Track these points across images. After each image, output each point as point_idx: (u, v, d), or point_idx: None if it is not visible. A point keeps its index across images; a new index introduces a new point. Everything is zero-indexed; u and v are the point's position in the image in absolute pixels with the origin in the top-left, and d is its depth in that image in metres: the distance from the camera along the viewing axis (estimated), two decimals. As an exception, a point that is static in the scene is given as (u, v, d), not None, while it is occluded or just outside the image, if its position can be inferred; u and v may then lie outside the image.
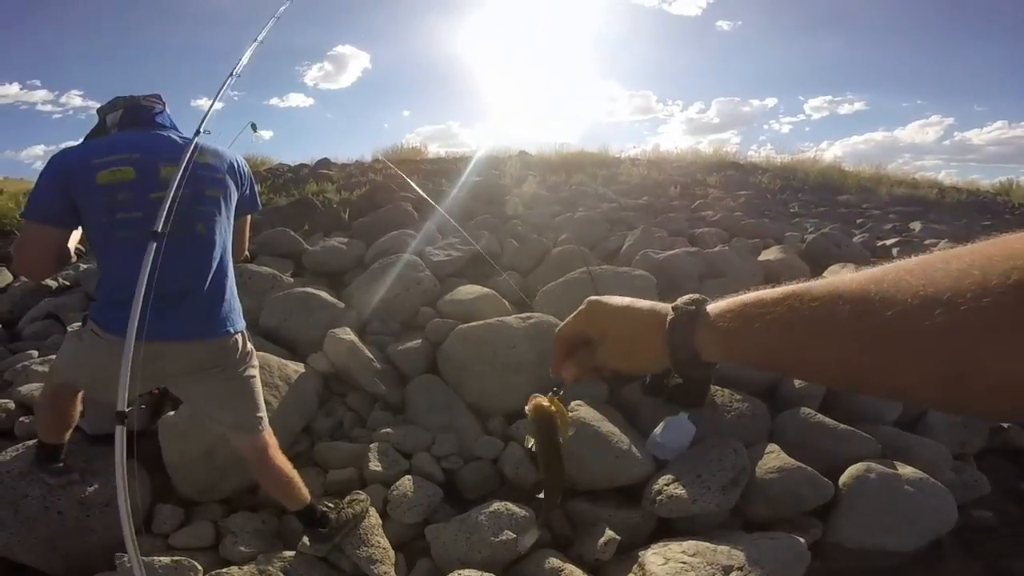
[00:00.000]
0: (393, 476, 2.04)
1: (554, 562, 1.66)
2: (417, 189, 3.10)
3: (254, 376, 1.59)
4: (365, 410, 2.46)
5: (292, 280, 3.46)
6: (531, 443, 0.63)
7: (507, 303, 3.07)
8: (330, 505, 1.78)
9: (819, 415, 2.29)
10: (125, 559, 1.57)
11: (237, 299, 1.57)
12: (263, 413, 1.60)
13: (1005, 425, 2.60)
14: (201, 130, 1.53)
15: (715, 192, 6.84)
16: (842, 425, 2.24)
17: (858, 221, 6.38)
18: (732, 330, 0.45)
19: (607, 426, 2.12)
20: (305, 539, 1.72)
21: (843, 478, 2.03)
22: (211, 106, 1.65)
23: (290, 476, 1.63)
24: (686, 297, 0.50)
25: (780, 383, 2.55)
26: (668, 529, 1.88)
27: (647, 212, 5.31)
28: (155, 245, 1.29)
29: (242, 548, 1.74)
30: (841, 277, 0.39)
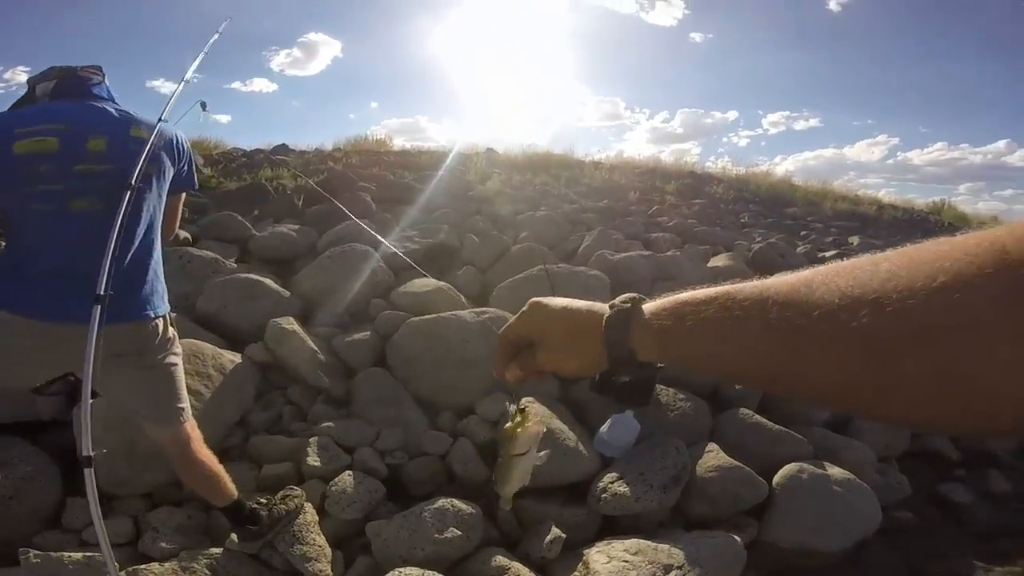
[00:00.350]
0: (333, 471, 1.96)
1: (500, 560, 1.63)
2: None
3: (175, 364, 1.49)
4: (306, 403, 2.35)
5: (236, 266, 3.29)
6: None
7: (463, 298, 3.03)
8: (262, 501, 1.69)
9: (756, 416, 2.37)
10: (31, 554, 1.44)
11: (162, 281, 1.47)
12: (184, 404, 1.49)
13: None
14: (162, 118, 1.48)
15: (671, 199, 7.02)
16: (777, 426, 2.33)
17: (802, 233, 6.70)
18: (665, 329, 0.44)
19: (556, 423, 2.11)
20: (233, 536, 1.63)
21: (777, 478, 2.10)
22: (173, 95, 1.61)
23: (214, 471, 1.53)
24: (623, 296, 0.49)
25: (720, 383, 2.63)
26: (613, 526, 1.89)
27: (606, 215, 5.38)
28: (128, 196, 1.25)
29: (163, 544, 1.64)
30: (773, 279, 0.39)
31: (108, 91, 1.47)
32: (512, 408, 0.61)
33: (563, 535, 1.70)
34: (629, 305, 0.48)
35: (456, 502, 1.75)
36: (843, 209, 8.19)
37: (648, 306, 0.47)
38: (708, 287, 0.44)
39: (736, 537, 1.72)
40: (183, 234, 3.52)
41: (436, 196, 4.92)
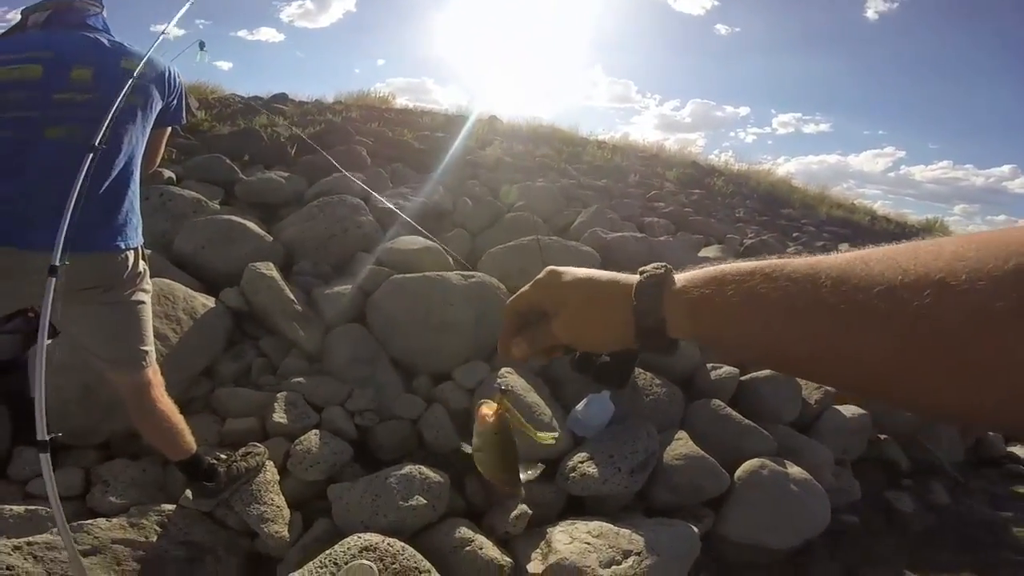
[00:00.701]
0: (299, 430, 1.91)
1: (464, 532, 1.61)
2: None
3: (143, 303, 1.41)
4: (278, 356, 2.29)
5: (219, 208, 3.17)
6: (480, 453, 0.55)
7: (451, 260, 2.95)
8: (222, 457, 1.64)
9: (728, 408, 2.37)
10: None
11: (137, 213, 1.41)
12: (149, 347, 1.43)
13: (882, 436, 2.83)
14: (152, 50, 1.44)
15: (671, 186, 6.94)
16: (746, 420, 2.34)
17: (795, 234, 6.69)
18: (701, 299, 0.40)
19: (533, 396, 2.08)
20: (188, 492, 1.58)
21: (739, 472, 2.11)
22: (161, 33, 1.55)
23: (173, 422, 1.48)
24: (653, 264, 0.45)
25: (697, 372, 2.62)
26: (578, 506, 1.89)
27: (604, 194, 5.30)
28: (90, 157, 1.23)
29: (112, 499, 1.58)
30: (824, 256, 0.36)
31: (104, 22, 1.44)
32: (486, 409, 0.55)
33: (529, 511, 1.69)
34: (662, 271, 0.44)
35: (424, 469, 1.72)
36: (837, 216, 8.20)
37: (680, 275, 0.43)
38: (745, 261, 0.39)
39: (694, 527, 1.73)
40: (167, 173, 3.38)
41: (435, 157, 4.79)
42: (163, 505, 1.58)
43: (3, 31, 1.47)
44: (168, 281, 2.19)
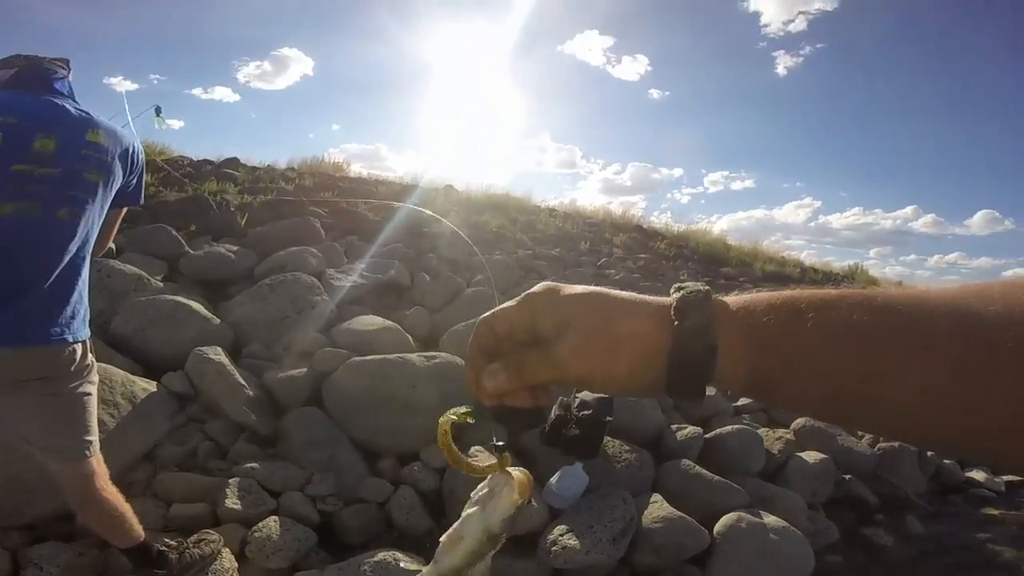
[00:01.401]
0: (255, 516, 1.78)
1: None
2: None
3: (89, 394, 1.31)
4: (228, 440, 2.13)
5: (162, 285, 3.02)
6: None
7: (411, 339, 2.90)
8: (172, 544, 1.50)
9: (697, 467, 2.40)
10: None
11: (86, 303, 1.30)
12: (93, 437, 1.31)
13: (846, 476, 2.91)
14: (124, 125, 1.40)
15: (619, 252, 7.30)
16: (717, 477, 2.37)
17: (735, 292, 7.13)
18: (767, 327, 0.32)
19: (504, 471, 2.02)
20: None
21: (717, 527, 2.12)
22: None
23: (120, 511, 1.36)
24: (687, 282, 0.37)
25: (662, 434, 2.65)
26: (559, 582, 1.79)
27: (558, 264, 5.49)
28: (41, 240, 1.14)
29: None
30: (915, 288, 0.32)
31: (70, 87, 1.34)
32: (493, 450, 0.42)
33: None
34: (705, 288, 0.35)
35: (399, 555, 1.62)
36: (771, 271, 8.82)
37: (727, 299, 0.35)
38: (803, 289, 0.33)
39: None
40: (108, 246, 3.22)
41: (390, 230, 4.83)
42: None
43: None
44: (106, 365, 2.03)
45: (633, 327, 0.34)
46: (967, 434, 0.28)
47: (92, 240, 1.31)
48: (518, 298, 0.38)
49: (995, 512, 3.03)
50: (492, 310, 0.39)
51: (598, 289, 0.37)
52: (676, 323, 0.33)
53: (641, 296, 0.37)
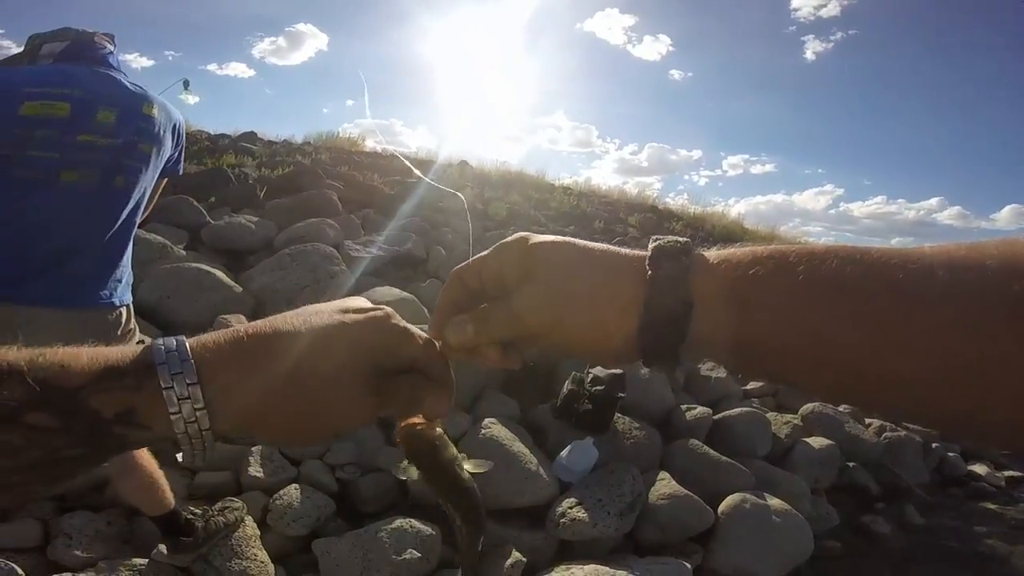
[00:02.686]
0: (276, 484, 1.85)
1: None
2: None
3: None
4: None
5: (185, 254, 3.09)
6: (411, 473, 0.40)
7: (427, 312, 2.96)
8: (196, 511, 1.57)
9: (705, 447, 2.44)
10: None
11: (130, 268, 1.38)
12: None
13: (850, 464, 2.95)
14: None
15: (633, 232, 7.24)
16: (724, 458, 2.41)
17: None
18: (755, 280, 0.28)
19: (518, 446, 2.08)
20: (162, 547, 1.50)
21: (722, 507, 2.17)
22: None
23: (155, 478, 1.41)
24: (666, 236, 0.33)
25: (672, 413, 2.69)
26: (568, 550, 1.87)
27: (572, 240, 5.48)
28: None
29: (77, 552, 1.49)
30: (906, 247, 0.28)
31: (118, 61, 1.38)
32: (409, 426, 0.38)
33: (524, 559, 1.68)
34: (684, 240, 0.32)
35: (415, 523, 1.69)
36: (788, 257, 8.73)
37: (708, 252, 0.32)
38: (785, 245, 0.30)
39: (686, 564, 1.75)
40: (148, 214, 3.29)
41: (410, 204, 4.85)
42: (134, 559, 1.50)
43: (8, 57, 1.39)
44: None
45: (602, 277, 0.31)
46: (981, 402, 0.25)
47: (141, 208, 1.38)
48: (492, 248, 0.35)
49: (994, 507, 3.06)
50: (465, 262, 0.37)
51: (569, 239, 0.34)
52: (649, 274, 0.30)
53: (615, 247, 0.33)
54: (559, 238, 0.34)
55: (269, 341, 0.32)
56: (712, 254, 0.31)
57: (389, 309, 0.36)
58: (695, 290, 0.29)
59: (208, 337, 0.32)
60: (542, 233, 0.35)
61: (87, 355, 0.30)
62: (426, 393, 0.35)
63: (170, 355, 0.30)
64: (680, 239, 0.32)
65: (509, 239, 0.35)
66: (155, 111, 1.33)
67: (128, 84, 1.32)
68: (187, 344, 0.31)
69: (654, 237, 0.33)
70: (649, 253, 0.31)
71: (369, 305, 0.36)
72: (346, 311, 0.34)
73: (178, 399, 0.30)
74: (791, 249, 0.29)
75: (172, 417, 0.30)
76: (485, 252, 0.36)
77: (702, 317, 0.29)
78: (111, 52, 1.35)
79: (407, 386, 0.35)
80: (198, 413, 0.30)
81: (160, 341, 0.31)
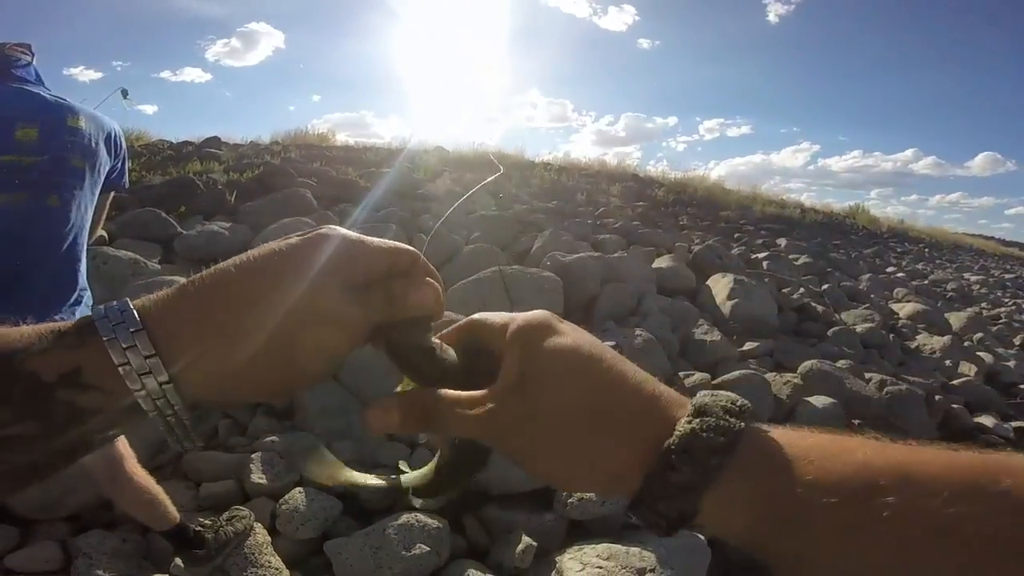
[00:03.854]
0: (281, 488, 1.83)
1: (474, 573, 1.59)
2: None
3: None
4: (244, 416, 2.17)
5: (160, 267, 3.00)
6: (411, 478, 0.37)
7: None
8: (206, 523, 1.56)
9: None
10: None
11: (87, 289, 1.32)
12: None
13: (855, 421, 2.95)
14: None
15: (616, 201, 7.21)
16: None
17: (736, 235, 7.10)
18: (826, 510, 0.23)
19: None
20: (178, 561, 1.50)
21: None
22: None
23: (153, 493, 1.40)
24: (721, 395, 0.27)
25: (671, 382, 2.68)
26: (579, 530, 1.87)
27: (556, 216, 5.43)
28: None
29: (100, 572, 1.50)
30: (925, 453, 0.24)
31: (36, 73, 1.30)
32: None
33: (534, 543, 1.67)
34: (740, 409, 0.26)
35: (421, 516, 1.68)
36: (771, 212, 8.76)
37: (772, 432, 0.26)
38: (840, 435, 0.25)
39: (700, 535, 1.75)
40: (97, 232, 3.18)
41: (383, 194, 4.75)
42: (154, 575, 1.53)
43: None
44: (115, 352, 2.05)
45: (601, 440, 0.26)
46: None
47: (87, 227, 1.31)
48: (510, 318, 0.31)
49: None
50: (484, 315, 0.33)
51: (593, 353, 0.28)
52: (656, 473, 0.25)
53: (640, 383, 0.28)
54: (580, 351, 0.28)
55: (222, 281, 0.28)
56: (775, 440, 0.25)
57: (334, 227, 0.31)
58: (717, 503, 0.25)
59: (153, 295, 0.29)
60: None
61: (27, 328, 0.28)
62: (407, 287, 0.31)
63: (110, 310, 0.27)
64: (737, 402, 0.26)
65: (534, 321, 0.30)
66: (82, 122, 1.25)
67: (48, 97, 1.24)
68: (129, 302, 0.28)
69: (700, 396, 0.27)
70: (676, 439, 0.25)
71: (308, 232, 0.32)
72: (287, 241, 0.30)
73: (124, 347, 0.26)
74: (880, 465, 0.23)
75: (121, 370, 0.26)
76: (500, 317, 0.31)
77: (720, 520, 0.26)
78: (27, 64, 1.27)
79: (383, 288, 0.31)
80: (149, 362, 0.26)
81: (101, 305, 0.29)
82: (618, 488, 0.27)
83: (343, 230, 0.31)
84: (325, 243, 0.30)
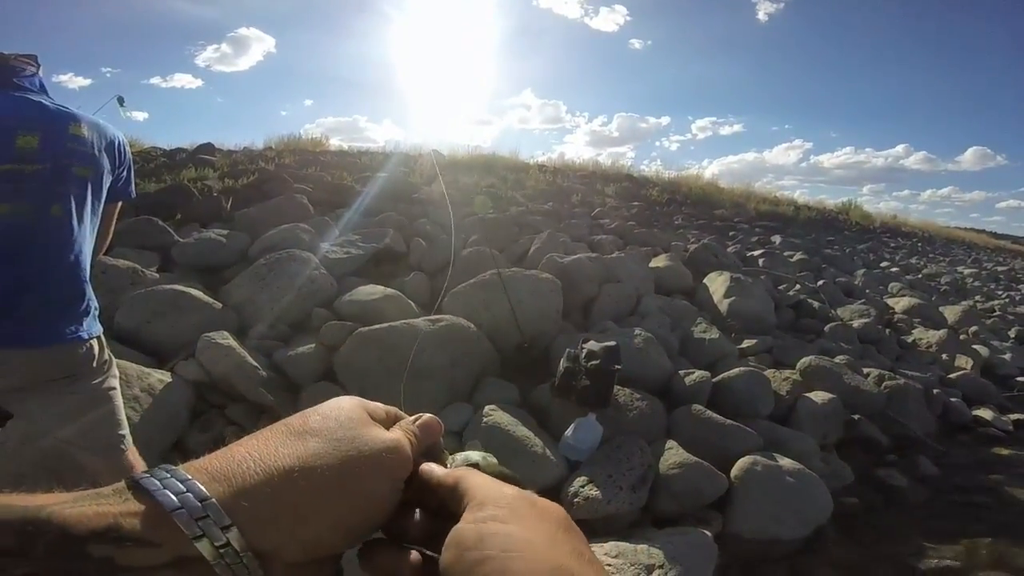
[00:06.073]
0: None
1: None
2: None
3: (114, 388, 1.32)
4: (250, 423, 2.15)
5: (158, 276, 2.99)
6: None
7: (413, 305, 2.91)
8: None
9: (708, 411, 2.43)
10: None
11: (94, 299, 1.30)
12: (125, 431, 1.33)
13: (855, 416, 2.96)
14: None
15: (612, 202, 7.23)
16: (729, 420, 2.39)
17: (731, 233, 7.13)
18: None
19: (521, 430, 2.07)
20: None
21: (734, 471, 2.15)
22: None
23: None
24: None
25: (671, 380, 2.70)
26: (586, 529, 1.87)
27: (552, 217, 5.44)
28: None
29: None
30: None
31: (41, 83, 1.28)
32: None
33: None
34: None
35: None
36: (765, 210, 8.80)
37: None
38: None
39: (707, 532, 1.75)
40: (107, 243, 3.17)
41: (379, 199, 4.75)
42: None
43: None
44: (118, 361, 2.02)
45: None
46: None
47: (91, 236, 1.28)
48: (473, 504, 0.30)
49: (1006, 452, 3.01)
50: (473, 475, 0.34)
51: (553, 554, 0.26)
52: None
53: None
54: (530, 542, 0.27)
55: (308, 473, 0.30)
56: None
57: (400, 437, 0.35)
58: None
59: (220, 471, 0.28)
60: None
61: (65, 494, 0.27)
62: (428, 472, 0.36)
63: (182, 497, 0.26)
64: None
65: (495, 512, 0.29)
66: (84, 130, 1.23)
67: (49, 105, 1.22)
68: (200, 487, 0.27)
69: None
70: None
71: (384, 435, 0.34)
72: (363, 439, 0.33)
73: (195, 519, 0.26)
74: None
75: (187, 532, 0.25)
76: (493, 499, 0.30)
77: None
78: (31, 75, 1.25)
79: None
80: (228, 535, 0.26)
81: (158, 483, 0.27)
82: None
83: (406, 444, 0.35)
84: (392, 458, 0.33)
